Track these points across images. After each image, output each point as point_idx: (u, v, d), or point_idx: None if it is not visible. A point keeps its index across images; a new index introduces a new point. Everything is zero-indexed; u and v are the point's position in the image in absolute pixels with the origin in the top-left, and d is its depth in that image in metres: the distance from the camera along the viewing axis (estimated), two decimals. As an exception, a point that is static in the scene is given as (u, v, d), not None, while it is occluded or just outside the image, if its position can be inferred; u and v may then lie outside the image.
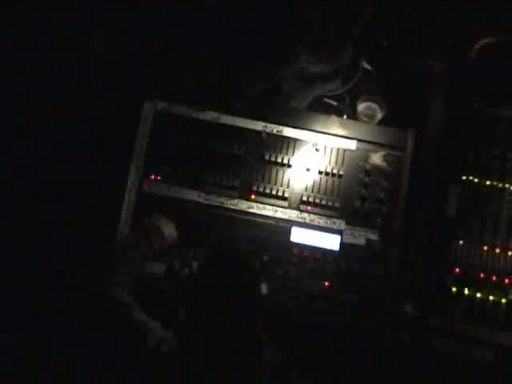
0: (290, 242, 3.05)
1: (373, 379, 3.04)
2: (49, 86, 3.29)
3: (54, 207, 3.22)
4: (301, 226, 3.05)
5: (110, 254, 2.85)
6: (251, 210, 3.06)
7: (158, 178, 3.06)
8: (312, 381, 2.88)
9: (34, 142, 3.29)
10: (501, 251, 3.03)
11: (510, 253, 3.03)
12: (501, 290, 3.00)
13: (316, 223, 3.06)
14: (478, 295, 3.00)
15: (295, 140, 3.10)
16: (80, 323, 2.98)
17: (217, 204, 3.05)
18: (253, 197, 3.06)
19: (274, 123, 3.10)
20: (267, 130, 3.09)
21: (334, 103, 3.32)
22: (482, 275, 3.02)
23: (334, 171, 3.08)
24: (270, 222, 3.06)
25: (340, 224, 3.06)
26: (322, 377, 2.98)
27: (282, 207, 3.06)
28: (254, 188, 3.06)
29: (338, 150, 3.10)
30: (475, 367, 2.99)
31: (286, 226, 3.06)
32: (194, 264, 2.96)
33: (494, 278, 3.01)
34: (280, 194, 3.06)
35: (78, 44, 3.32)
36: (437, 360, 3.01)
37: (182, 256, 3.00)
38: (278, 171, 3.08)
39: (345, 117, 3.26)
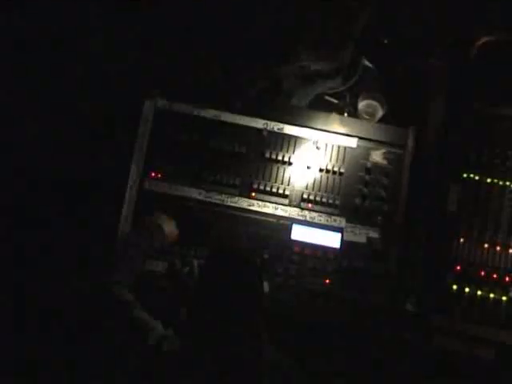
0: (291, 239, 3.04)
1: (373, 379, 3.03)
2: (49, 86, 3.28)
3: (53, 207, 3.21)
4: (301, 224, 3.05)
5: (111, 252, 2.84)
6: (252, 208, 3.05)
7: (159, 176, 3.05)
8: (312, 381, 2.87)
9: (33, 142, 3.28)
10: (501, 249, 3.03)
11: (510, 251, 3.03)
12: (501, 287, 3.00)
13: (317, 221, 3.05)
14: (479, 293, 3.00)
15: (296, 138, 3.10)
16: (80, 323, 2.97)
17: (217, 202, 3.05)
18: (253, 194, 3.06)
19: (275, 121, 3.10)
20: (268, 128, 3.09)
21: (335, 101, 3.33)
22: (482, 273, 3.01)
23: (335, 169, 3.08)
24: (270, 219, 3.05)
25: (341, 222, 3.06)
26: (322, 377, 2.97)
27: (282, 205, 3.05)
28: (255, 186, 3.06)
29: (339, 147, 3.10)
30: (476, 366, 2.98)
31: (286, 223, 3.05)
32: (195, 262, 2.94)
33: (495, 276, 3.01)
34: (281, 191, 3.06)
35: (78, 44, 3.32)
36: (437, 359, 3.01)
37: (183, 254, 2.98)
38: (278, 169, 3.08)
39: (345, 114, 3.25)
